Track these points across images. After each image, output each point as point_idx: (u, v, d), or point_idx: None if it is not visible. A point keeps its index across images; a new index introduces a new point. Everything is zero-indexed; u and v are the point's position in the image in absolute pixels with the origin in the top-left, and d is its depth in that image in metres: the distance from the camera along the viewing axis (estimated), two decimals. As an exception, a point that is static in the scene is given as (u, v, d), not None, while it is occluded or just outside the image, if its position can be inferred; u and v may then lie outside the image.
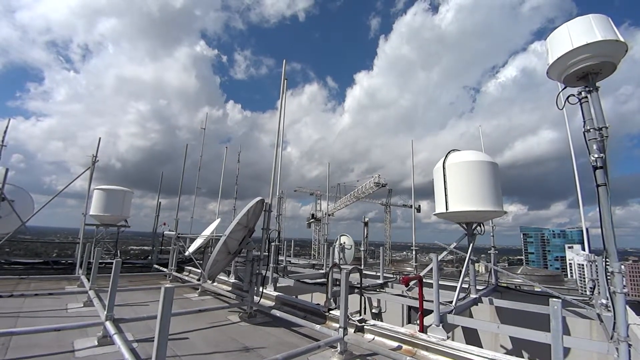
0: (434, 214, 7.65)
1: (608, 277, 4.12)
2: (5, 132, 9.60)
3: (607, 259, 4.11)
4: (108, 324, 4.41)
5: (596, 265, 6.47)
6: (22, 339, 4.39)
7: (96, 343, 4.39)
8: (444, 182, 7.28)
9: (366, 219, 13.68)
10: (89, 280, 7.02)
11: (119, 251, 13.28)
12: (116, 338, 4.03)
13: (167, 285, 2.89)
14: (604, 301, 5.78)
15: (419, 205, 45.49)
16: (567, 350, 6.62)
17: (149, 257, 13.23)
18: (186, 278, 9.82)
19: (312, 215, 58.40)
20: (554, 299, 3.09)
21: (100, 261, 6.65)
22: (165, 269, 10.63)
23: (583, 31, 4.33)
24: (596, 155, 4.14)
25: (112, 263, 4.75)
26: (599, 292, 6.13)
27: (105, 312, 4.56)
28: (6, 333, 4.34)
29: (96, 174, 10.26)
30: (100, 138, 10.44)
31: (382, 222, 65.90)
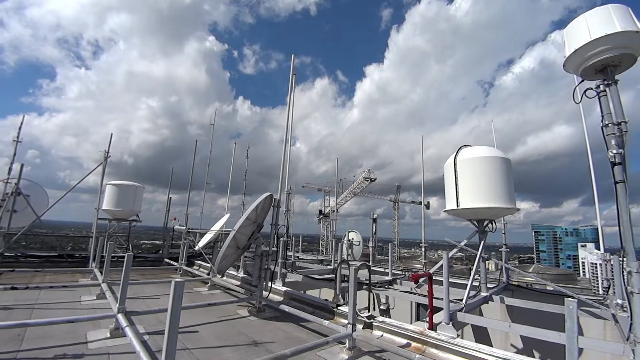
0: (445, 211, 7.55)
1: (625, 277, 4.00)
2: (20, 128, 9.82)
3: (624, 258, 3.99)
4: (120, 317, 4.49)
5: (611, 265, 6.31)
6: (37, 330, 4.50)
7: (108, 335, 4.49)
8: (455, 178, 7.17)
9: (375, 215, 13.57)
10: (101, 273, 7.17)
11: (130, 245, 13.52)
12: (128, 330, 4.10)
13: (178, 279, 2.90)
14: (619, 301, 5.64)
15: (428, 202, 45.18)
16: (580, 351, 6.49)
17: (160, 252, 13.46)
18: (196, 272, 9.94)
19: (320, 211, 58.52)
20: (570, 299, 3.02)
21: (112, 255, 6.78)
22: (175, 263, 10.79)
23: (601, 22, 4.17)
24: (615, 151, 4.00)
25: (124, 257, 4.83)
26: (614, 292, 5.98)
27: (117, 305, 4.64)
28: (22, 324, 4.44)
29: (108, 169, 10.45)
30: (112, 134, 10.65)
31: (390, 218, 65.79)
